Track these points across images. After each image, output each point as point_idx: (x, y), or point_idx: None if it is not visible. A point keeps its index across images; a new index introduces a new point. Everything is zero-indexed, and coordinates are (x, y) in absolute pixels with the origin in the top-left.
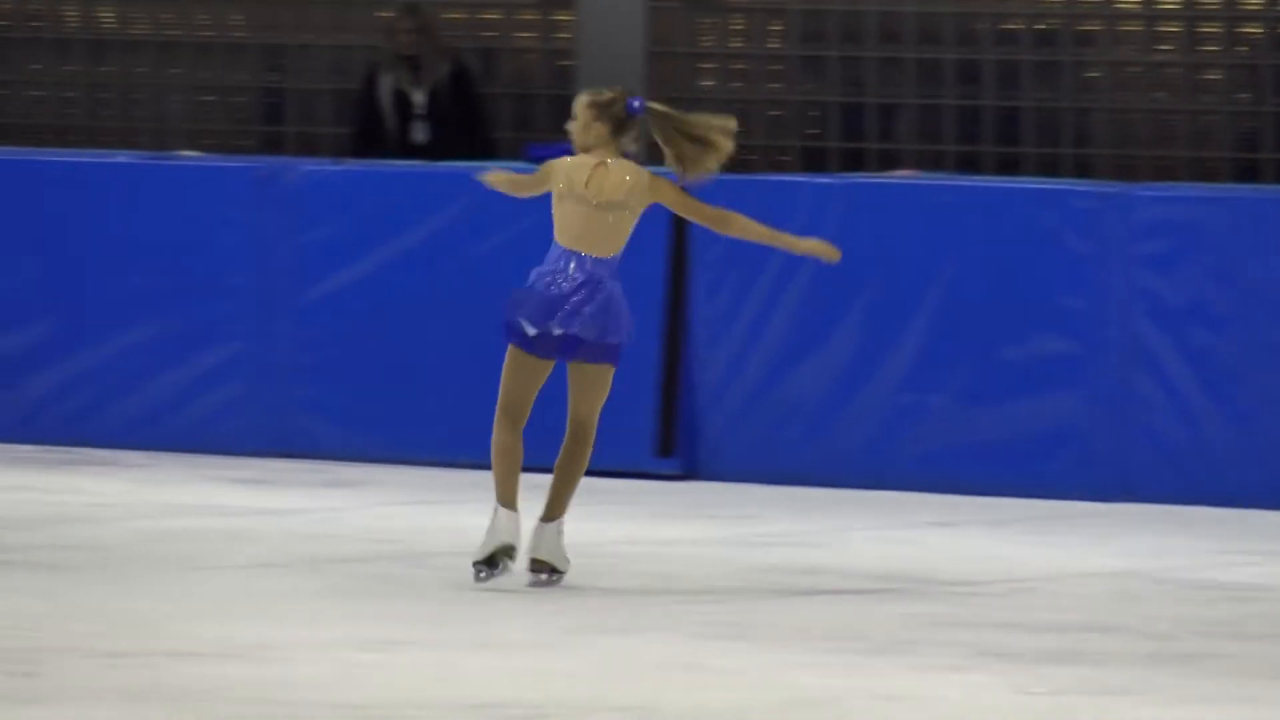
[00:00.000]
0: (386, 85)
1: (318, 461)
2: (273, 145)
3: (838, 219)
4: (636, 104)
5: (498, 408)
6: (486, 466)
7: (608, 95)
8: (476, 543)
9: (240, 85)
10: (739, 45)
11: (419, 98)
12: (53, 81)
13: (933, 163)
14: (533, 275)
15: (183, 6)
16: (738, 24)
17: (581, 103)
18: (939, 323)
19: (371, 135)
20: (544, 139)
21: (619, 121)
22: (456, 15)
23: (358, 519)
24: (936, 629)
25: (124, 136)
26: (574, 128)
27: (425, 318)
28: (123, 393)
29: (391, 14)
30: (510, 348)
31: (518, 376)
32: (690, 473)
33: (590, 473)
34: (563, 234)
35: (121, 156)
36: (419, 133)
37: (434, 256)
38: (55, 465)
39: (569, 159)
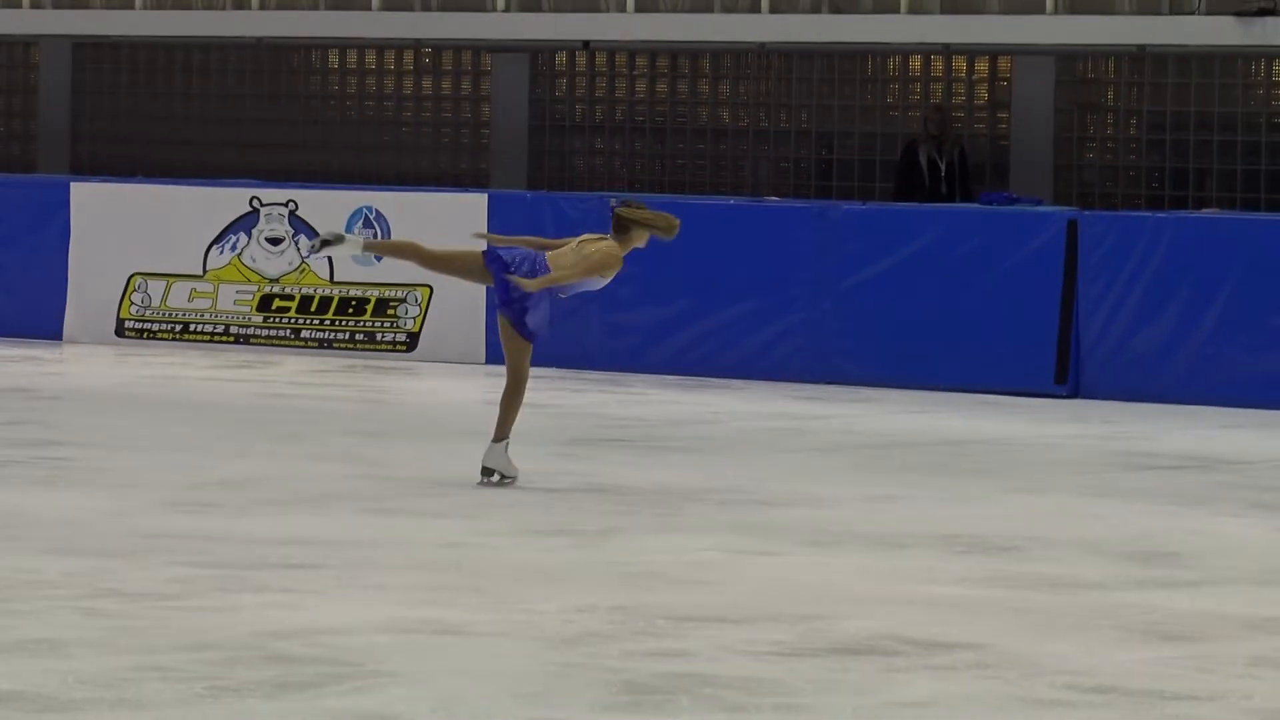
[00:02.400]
0: (923, 156)
1: (847, 387)
2: (824, 193)
3: (1170, 239)
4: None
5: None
6: (985, 389)
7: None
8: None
9: (804, 157)
10: (1110, 131)
11: (942, 166)
12: (678, 162)
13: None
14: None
15: (770, 107)
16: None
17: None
18: (1238, 300)
19: (912, 189)
20: (990, 190)
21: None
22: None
23: (870, 423)
24: (1226, 489)
25: (733, 188)
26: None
27: (933, 298)
28: (731, 343)
29: (926, 110)
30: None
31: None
32: (1075, 394)
33: (1008, 392)
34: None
35: (731, 200)
36: (941, 188)
37: (929, 259)
38: (690, 389)
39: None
